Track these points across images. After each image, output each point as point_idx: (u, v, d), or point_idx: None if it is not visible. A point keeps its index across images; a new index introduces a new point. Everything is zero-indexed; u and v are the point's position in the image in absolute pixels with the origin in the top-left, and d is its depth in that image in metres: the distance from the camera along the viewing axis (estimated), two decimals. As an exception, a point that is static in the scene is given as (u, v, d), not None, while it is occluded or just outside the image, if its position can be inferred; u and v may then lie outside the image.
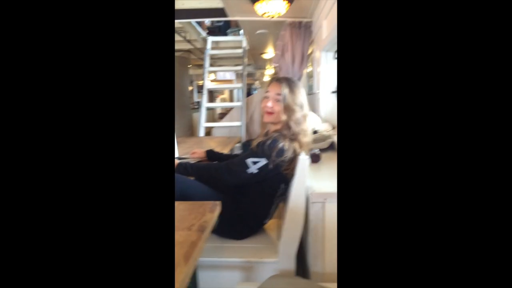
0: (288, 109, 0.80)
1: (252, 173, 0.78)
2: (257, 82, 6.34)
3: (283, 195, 0.83)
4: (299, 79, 1.96)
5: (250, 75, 5.42)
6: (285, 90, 0.81)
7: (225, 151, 1.30)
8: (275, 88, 0.83)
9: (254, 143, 0.80)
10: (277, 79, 0.85)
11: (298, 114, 0.80)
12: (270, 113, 0.83)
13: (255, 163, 0.78)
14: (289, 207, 0.75)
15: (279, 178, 0.80)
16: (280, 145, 0.76)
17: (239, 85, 2.38)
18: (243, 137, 2.23)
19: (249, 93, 5.06)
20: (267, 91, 0.85)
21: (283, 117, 0.80)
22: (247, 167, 0.78)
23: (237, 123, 2.25)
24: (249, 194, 0.83)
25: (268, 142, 0.77)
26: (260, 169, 0.78)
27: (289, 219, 0.76)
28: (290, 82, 0.83)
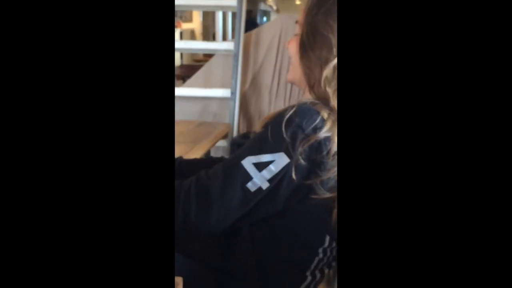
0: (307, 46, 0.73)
1: (257, 192, 0.66)
2: (270, 0, 5.54)
3: (329, 266, 0.77)
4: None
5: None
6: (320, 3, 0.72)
7: (197, 154, 1.29)
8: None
9: (260, 124, 0.70)
10: None
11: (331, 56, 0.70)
12: (288, 62, 0.88)
13: (262, 165, 0.66)
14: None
15: (319, 214, 0.69)
16: (318, 120, 0.65)
17: (230, 1, 1.94)
18: (235, 124, 1.85)
19: (252, 23, 4.14)
20: (297, 21, 0.78)
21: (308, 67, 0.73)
22: (246, 176, 0.66)
23: (222, 92, 1.88)
24: (243, 261, 0.75)
25: (289, 113, 0.65)
26: (276, 178, 0.66)
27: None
28: None
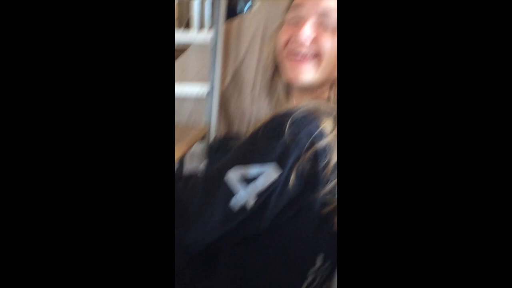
0: None
1: (242, 209, 0.63)
2: None
3: None
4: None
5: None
6: None
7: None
8: None
9: (249, 130, 0.72)
10: None
11: None
12: (304, 59, 0.75)
13: (249, 179, 0.62)
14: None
15: (311, 232, 0.68)
16: (317, 131, 0.63)
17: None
18: (213, 126, 1.79)
19: (233, 10, 4.11)
20: (293, 5, 0.77)
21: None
22: (229, 191, 0.64)
23: (198, 89, 1.84)
24: (223, 285, 0.71)
25: (285, 120, 0.64)
26: (264, 193, 0.63)
27: None
28: None
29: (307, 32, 0.73)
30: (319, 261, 0.71)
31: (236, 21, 1.89)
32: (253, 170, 0.64)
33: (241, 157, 0.67)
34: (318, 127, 0.64)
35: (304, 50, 0.74)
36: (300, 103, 0.75)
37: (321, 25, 0.74)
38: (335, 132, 0.66)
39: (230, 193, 0.64)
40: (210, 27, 2.07)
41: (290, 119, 0.64)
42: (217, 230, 0.66)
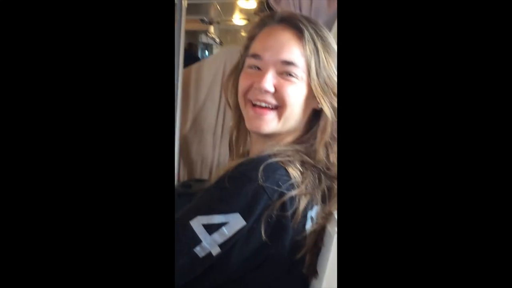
0: (324, 95, 0.74)
1: (206, 258, 0.62)
2: (212, 29, 5.68)
3: None
4: (329, 25, 1.51)
5: (195, 9, 4.67)
6: (309, 46, 0.72)
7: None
8: (280, 42, 0.73)
9: (214, 177, 0.71)
10: (280, 18, 0.75)
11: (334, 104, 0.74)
12: (267, 109, 0.74)
13: (214, 227, 0.62)
14: None
15: (279, 279, 0.66)
16: (286, 184, 0.63)
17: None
18: (175, 172, 1.76)
19: (192, 57, 4.16)
20: (252, 54, 0.75)
21: (303, 118, 0.77)
22: (194, 239, 0.62)
23: None
24: None
25: (252, 169, 0.63)
26: (228, 243, 0.62)
27: None
28: (316, 28, 0.74)
29: (268, 82, 0.72)
30: None
31: (195, 67, 1.90)
32: (218, 218, 0.63)
33: (206, 205, 0.66)
34: (285, 175, 0.64)
35: (266, 100, 0.73)
36: (262, 149, 0.74)
37: (282, 75, 0.73)
38: (302, 179, 0.65)
39: (196, 240, 0.63)
40: (170, 73, 2.06)
41: (260, 170, 0.63)
42: (182, 276, 0.65)
